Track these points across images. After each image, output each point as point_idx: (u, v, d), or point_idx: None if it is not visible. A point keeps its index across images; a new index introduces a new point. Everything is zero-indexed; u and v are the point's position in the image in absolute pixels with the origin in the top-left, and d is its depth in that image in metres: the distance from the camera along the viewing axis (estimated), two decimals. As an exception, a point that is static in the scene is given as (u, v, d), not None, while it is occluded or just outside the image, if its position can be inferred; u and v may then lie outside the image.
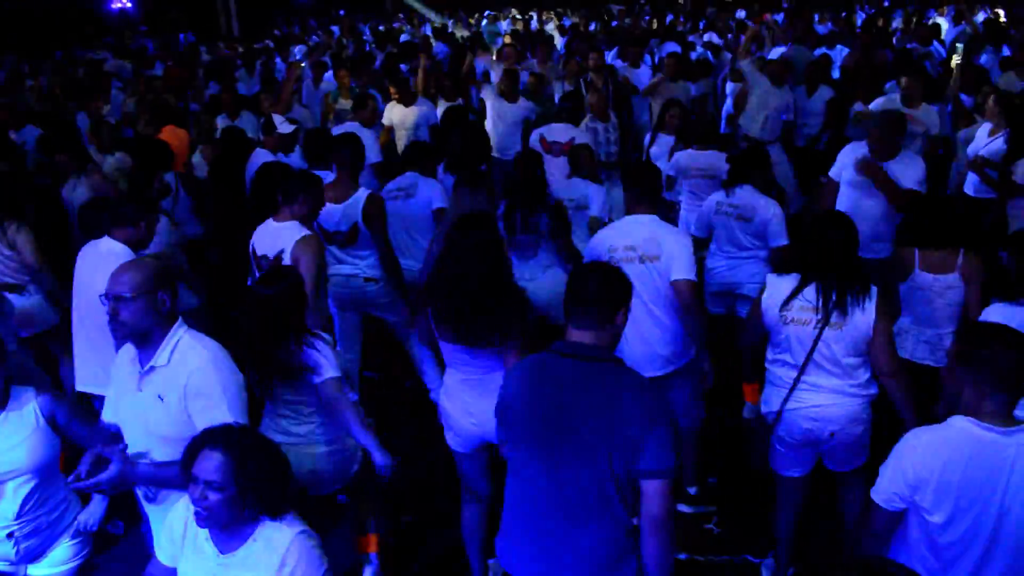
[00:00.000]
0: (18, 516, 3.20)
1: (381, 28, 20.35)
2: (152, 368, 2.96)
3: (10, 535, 3.21)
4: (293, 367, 3.48)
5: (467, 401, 3.60)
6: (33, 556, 3.31)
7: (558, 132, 7.13)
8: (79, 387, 4.50)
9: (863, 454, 3.62)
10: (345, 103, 9.09)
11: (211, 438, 2.47)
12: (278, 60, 13.96)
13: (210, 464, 2.41)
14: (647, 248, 4.02)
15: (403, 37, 17.50)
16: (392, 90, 8.48)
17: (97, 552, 3.56)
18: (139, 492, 3.22)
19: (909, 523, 2.58)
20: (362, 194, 5.04)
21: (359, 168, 5.26)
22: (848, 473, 3.69)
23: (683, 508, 4.42)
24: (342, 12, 26.34)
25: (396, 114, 8.38)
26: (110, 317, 2.91)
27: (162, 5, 24.03)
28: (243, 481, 2.41)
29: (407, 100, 8.32)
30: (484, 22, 20.66)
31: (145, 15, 23.60)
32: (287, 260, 4.35)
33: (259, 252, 4.51)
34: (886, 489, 2.56)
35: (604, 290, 2.69)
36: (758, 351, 3.89)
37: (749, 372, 5.09)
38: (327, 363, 3.53)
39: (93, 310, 4.20)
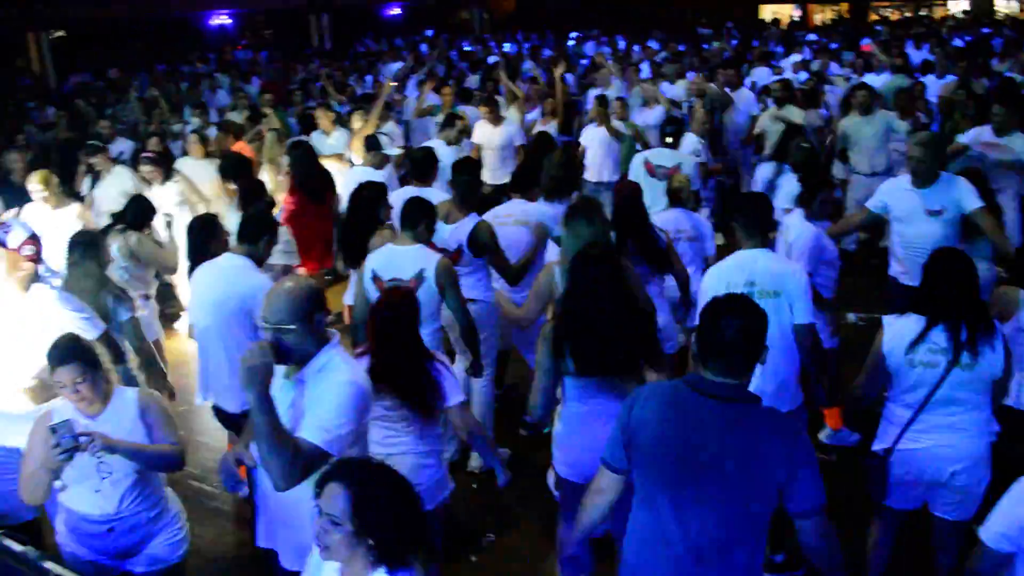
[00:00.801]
0: (117, 511, 3.33)
1: (467, 47, 20.62)
2: (299, 380, 2.95)
3: (110, 530, 3.34)
4: (420, 390, 3.54)
5: (597, 434, 3.46)
6: (131, 552, 3.42)
7: (664, 157, 7.05)
8: (200, 400, 4.66)
9: (973, 506, 3.47)
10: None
11: (339, 471, 2.35)
12: (368, 77, 14.28)
13: (332, 498, 2.28)
14: (766, 283, 3.90)
15: (491, 59, 17.68)
16: (484, 109, 8.56)
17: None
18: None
19: (1017, 569, 2.51)
20: (472, 219, 5.11)
21: (474, 194, 5.32)
22: (951, 524, 3.54)
23: None
24: (431, 32, 26.80)
25: (483, 134, 8.47)
26: (274, 348, 2.82)
27: (258, 22, 24.82)
28: (362, 522, 2.26)
29: (495, 120, 8.38)
30: (571, 43, 20.66)
31: (242, 31, 24.41)
32: (430, 280, 4.42)
33: (386, 276, 4.50)
34: (996, 529, 2.49)
35: (748, 339, 2.56)
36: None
37: (829, 396, 5.02)
38: (452, 387, 3.61)
39: (213, 324, 4.36)
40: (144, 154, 7.42)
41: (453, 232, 5.08)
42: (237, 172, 6.66)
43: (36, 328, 3.75)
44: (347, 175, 6.87)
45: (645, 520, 2.68)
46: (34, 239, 3.91)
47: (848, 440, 5.20)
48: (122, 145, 8.74)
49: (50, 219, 6.04)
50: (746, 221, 4.08)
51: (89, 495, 3.31)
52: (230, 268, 4.41)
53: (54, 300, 3.95)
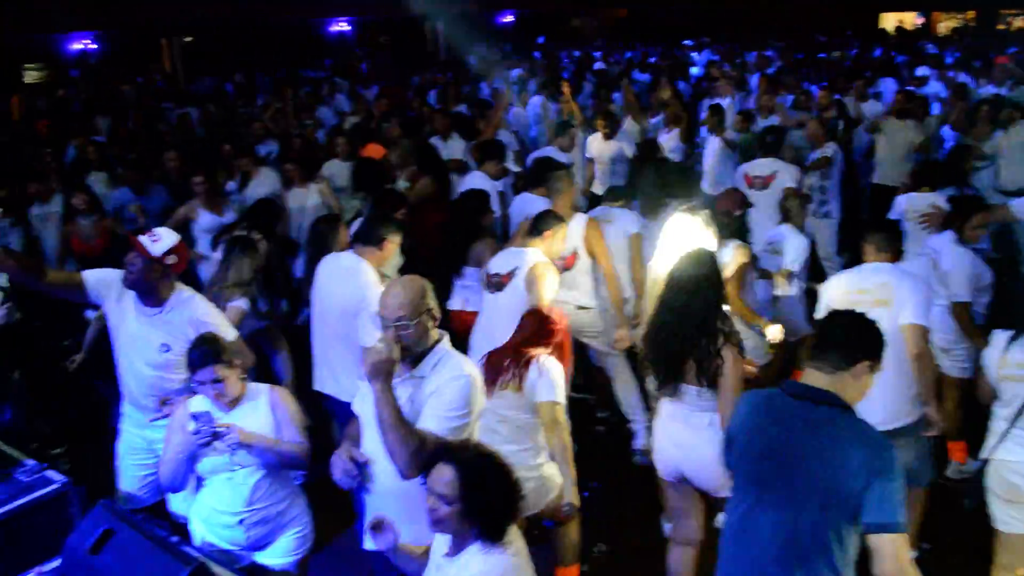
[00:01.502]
0: (248, 504, 3.45)
1: (577, 54, 20.62)
2: (413, 377, 3.02)
3: (240, 521, 3.46)
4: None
5: (673, 431, 3.67)
6: (260, 544, 3.55)
7: (760, 167, 6.99)
8: (316, 387, 4.76)
9: None
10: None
11: (448, 453, 2.57)
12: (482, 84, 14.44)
13: (442, 477, 2.53)
14: (880, 292, 3.93)
15: (597, 65, 17.62)
16: (599, 123, 8.55)
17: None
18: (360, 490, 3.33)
19: None
20: (580, 220, 5.13)
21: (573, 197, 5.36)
22: None
23: None
24: (541, 39, 26.92)
25: (595, 147, 8.42)
26: (396, 341, 2.90)
27: (375, 29, 25.42)
28: (469, 500, 2.52)
29: (609, 133, 8.34)
30: (684, 52, 20.40)
31: (360, 37, 25.05)
32: (519, 278, 4.51)
33: (491, 271, 4.71)
34: None
35: (849, 334, 2.69)
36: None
37: (957, 430, 4.89)
38: (548, 386, 3.65)
39: (330, 318, 4.50)
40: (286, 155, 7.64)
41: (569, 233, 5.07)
42: (373, 179, 6.72)
43: (176, 335, 3.91)
44: (464, 181, 6.95)
45: (733, 519, 2.76)
46: (180, 247, 3.96)
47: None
48: (270, 146, 8.91)
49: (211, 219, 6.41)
50: (879, 240, 4.10)
51: (221, 487, 3.45)
52: (349, 267, 4.54)
53: (195, 304, 4.06)
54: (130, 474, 4.20)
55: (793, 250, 5.49)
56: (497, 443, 3.61)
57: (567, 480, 3.72)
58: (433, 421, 2.89)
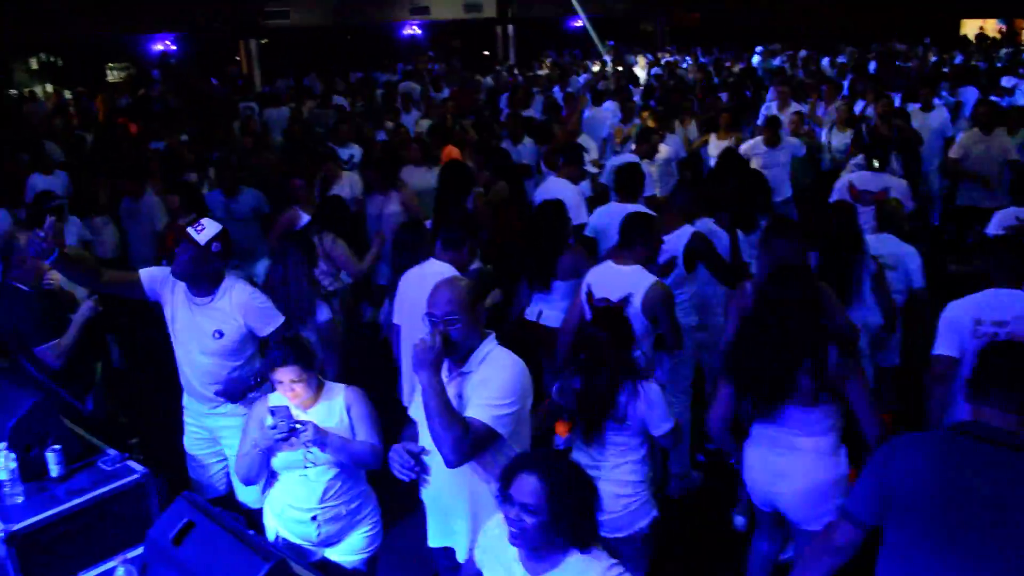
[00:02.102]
0: (321, 501, 3.50)
1: (650, 57, 20.48)
2: (461, 373, 3.09)
3: (313, 518, 3.52)
4: (620, 411, 3.54)
5: (770, 459, 3.51)
6: (331, 541, 3.60)
7: (869, 180, 6.74)
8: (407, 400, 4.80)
9: None
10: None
11: (530, 462, 2.50)
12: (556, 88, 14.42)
13: (526, 488, 2.44)
14: (1018, 326, 3.67)
15: (654, 70, 17.44)
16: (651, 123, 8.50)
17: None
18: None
19: None
20: (686, 231, 5.01)
21: (689, 204, 5.21)
22: None
23: None
24: (612, 43, 26.80)
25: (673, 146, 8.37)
26: (443, 339, 2.98)
27: (446, 32, 25.61)
28: (556, 508, 2.42)
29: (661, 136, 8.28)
30: (757, 58, 20.07)
31: (432, 41, 25.26)
32: (636, 306, 4.33)
33: (597, 295, 4.47)
34: None
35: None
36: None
37: None
38: (661, 414, 3.57)
39: (417, 327, 4.51)
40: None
41: (672, 240, 4.93)
42: (462, 183, 6.58)
43: (228, 321, 4.06)
44: (541, 186, 6.92)
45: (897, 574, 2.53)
46: (224, 235, 4.06)
47: None
48: (352, 149, 8.99)
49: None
50: (999, 262, 3.84)
51: (295, 483, 3.51)
52: (432, 275, 4.53)
53: (243, 289, 4.17)
54: (196, 465, 4.37)
55: (914, 263, 5.15)
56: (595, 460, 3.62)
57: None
58: (478, 409, 2.94)
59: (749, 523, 4.38)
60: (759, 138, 8.28)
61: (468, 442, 2.89)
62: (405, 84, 14.74)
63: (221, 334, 4.07)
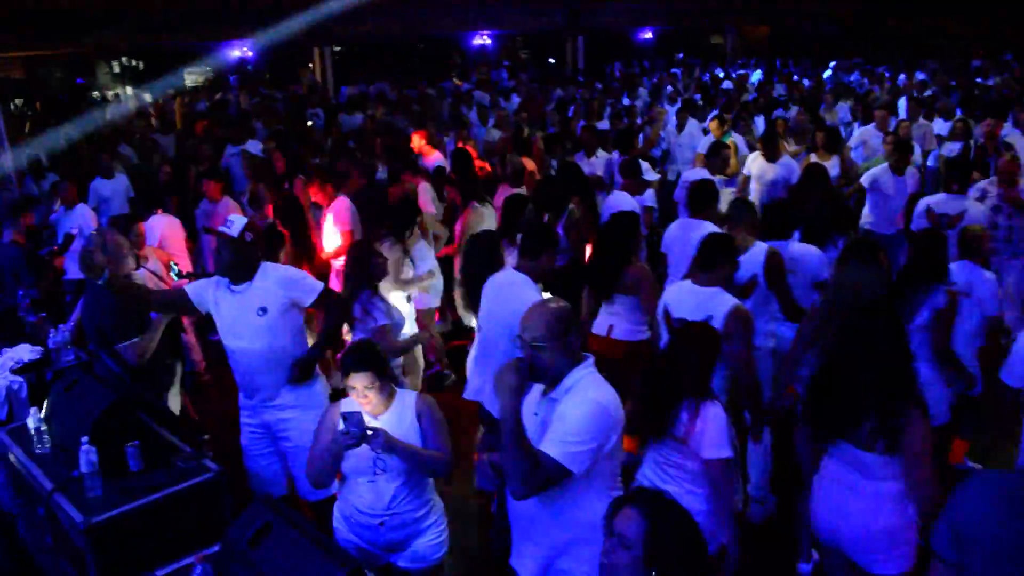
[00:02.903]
0: (388, 507, 3.51)
1: (720, 73, 20.28)
2: (551, 398, 3.02)
3: (381, 523, 3.52)
4: (680, 430, 3.47)
5: (835, 495, 3.38)
6: (397, 547, 3.60)
7: (946, 204, 6.53)
8: (466, 395, 4.85)
9: None
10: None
11: (639, 498, 2.43)
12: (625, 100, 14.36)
13: (626, 520, 2.37)
14: None
15: (725, 84, 17.19)
16: (760, 143, 8.33)
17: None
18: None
19: None
20: (761, 248, 4.93)
21: (755, 222, 5.13)
22: None
23: None
24: (680, 55, 26.64)
25: (756, 167, 8.22)
26: (530, 362, 2.94)
27: (516, 43, 25.75)
28: (651, 548, 2.33)
29: (770, 155, 8.12)
30: (828, 73, 19.65)
31: (501, 52, 25.42)
32: (717, 328, 4.21)
33: (676, 315, 4.40)
34: None
35: None
36: None
37: None
38: (718, 439, 3.45)
39: (494, 335, 4.54)
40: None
41: (747, 262, 4.84)
42: (555, 197, 6.53)
43: (269, 296, 4.23)
44: (607, 200, 6.89)
45: None
46: (252, 224, 4.31)
47: None
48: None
49: None
50: None
51: (364, 488, 3.51)
52: (507, 284, 4.57)
53: (278, 267, 4.44)
54: (255, 464, 4.48)
55: (987, 290, 4.95)
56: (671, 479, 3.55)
57: (730, 537, 3.50)
58: (552, 445, 2.85)
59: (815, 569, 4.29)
60: (885, 166, 7.65)
61: (537, 476, 2.81)
62: (477, 93, 14.82)
63: (264, 310, 4.23)
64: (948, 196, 6.64)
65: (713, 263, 4.39)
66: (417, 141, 9.17)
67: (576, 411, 2.88)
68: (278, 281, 4.29)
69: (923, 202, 6.78)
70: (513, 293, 4.43)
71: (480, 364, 4.73)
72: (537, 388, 3.09)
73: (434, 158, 8.87)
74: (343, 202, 6.84)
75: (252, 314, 4.24)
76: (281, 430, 4.38)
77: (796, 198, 6.86)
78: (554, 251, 4.64)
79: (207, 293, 4.37)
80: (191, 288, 4.43)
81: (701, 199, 5.80)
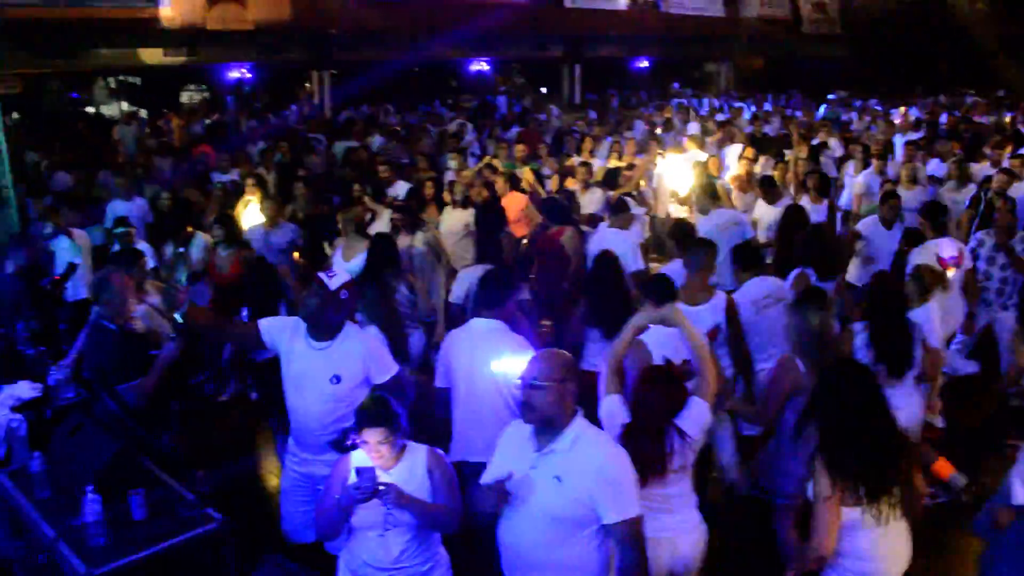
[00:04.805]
0: (395, 561, 3.48)
1: (717, 104, 20.36)
2: (552, 451, 3.07)
3: (387, 577, 3.49)
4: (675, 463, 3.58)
5: (896, 545, 3.41)
6: (403, 600, 3.56)
7: (945, 246, 6.50)
8: (453, 456, 4.74)
9: None
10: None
11: None
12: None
13: None
14: None
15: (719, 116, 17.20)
16: (760, 189, 8.41)
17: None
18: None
19: None
20: (721, 297, 5.05)
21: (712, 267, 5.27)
22: None
23: None
24: (676, 85, 26.81)
25: (761, 210, 8.26)
26: (523, 401, 3.08)
27: (513, 70, 25.87)
28: None
29: (770, 198, 8.17)
30: (824, 107, 19.54)
31: (498, 78, 25.52)
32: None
33: (656, 355, 4.40)
34: None
35: None
36: None
37: None
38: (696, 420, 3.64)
39: (472, 384, 4.46)
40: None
41: (709, 311, 4.96)
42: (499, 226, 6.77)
43: (346, 365, 4.12)
44: (595, 235, 6.91)
45: None
46: (351, 284, 4.21)
47: None
48: (399, 188, 9.04)
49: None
50: None
51: (373, 542, 3.48)
52: (478, 333, 4.51)
53: (368, 339, 4.32)
54: (291, 509, 4.38)
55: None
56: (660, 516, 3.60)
57: None
58: (627, 508, 3.05)
59: None
60: (874, 218, 7.55)
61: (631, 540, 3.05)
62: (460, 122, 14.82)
63: (339, 379, 4.10)
64: (947, 241, 6.57)
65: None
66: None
67: (620, 467, 3.10)
68: (362, 355, 4.17)
69: (929, 245, 6.58)
70: (497, 340, 4.39)
71: (462, 418, 4.57)
72: (526, 440, 3.18)
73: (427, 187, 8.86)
74: None
75: (324, 379, 4.10)
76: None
77: (779, 239, 7.02)
78: (514, 291, 4.68)
79: (283, 335, 4.23)
80: (265, 325, 4.29)
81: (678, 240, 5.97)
